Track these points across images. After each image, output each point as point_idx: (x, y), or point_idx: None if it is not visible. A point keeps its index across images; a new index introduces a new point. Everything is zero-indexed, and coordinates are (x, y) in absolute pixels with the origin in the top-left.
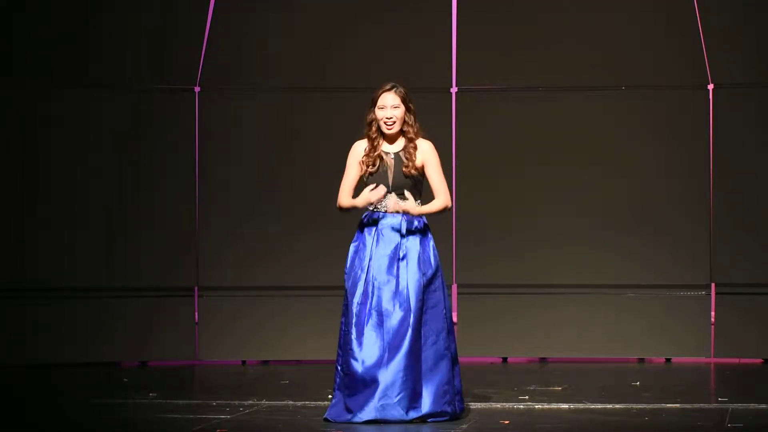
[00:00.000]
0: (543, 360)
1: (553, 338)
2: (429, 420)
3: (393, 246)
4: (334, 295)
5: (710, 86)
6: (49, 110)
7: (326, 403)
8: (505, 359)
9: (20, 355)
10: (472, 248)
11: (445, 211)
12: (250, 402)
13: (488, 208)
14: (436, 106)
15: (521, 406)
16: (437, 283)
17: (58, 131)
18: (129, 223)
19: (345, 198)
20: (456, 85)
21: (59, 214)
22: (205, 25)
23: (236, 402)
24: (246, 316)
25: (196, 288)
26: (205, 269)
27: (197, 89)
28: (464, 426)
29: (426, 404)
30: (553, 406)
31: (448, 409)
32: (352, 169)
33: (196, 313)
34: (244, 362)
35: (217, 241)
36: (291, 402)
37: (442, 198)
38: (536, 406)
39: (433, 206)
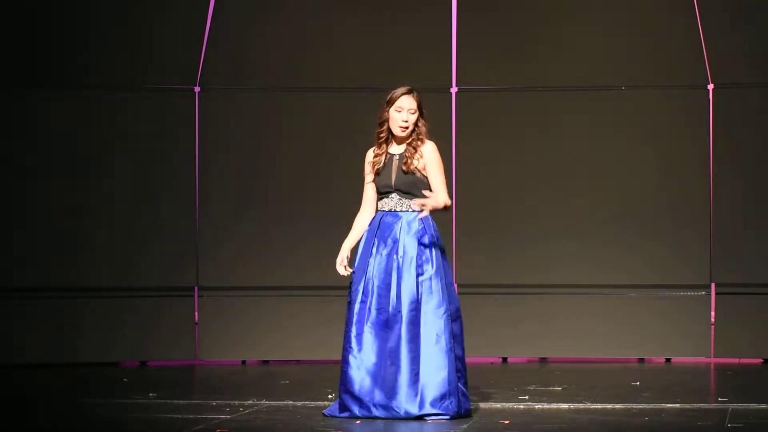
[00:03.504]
0: (543, 360)
1: (553, 338)
2: (428, 419)
3: (392, 246)
4: (334, 296)
5: (710, 86)
6: (49, 110)
7: (326, 403)
8: (505, 359)
9: (19, 354)
10: (472, 248)
11: (446, 209)
12: (250, 402)
13: (488, 207)
14: (436, 106)
15: (521, 406)
16: (440, 284)
17: (58, 131)
18: (129, 223)
19: (358, 218)
20: (456, 85)
21: (62, 215)
22: (205, 25)
23: (236, 402)
24: (246, 316)
25: (196, 288)
26: (205, 269)
27: (197, 89)
28: (464, 426)
29: (425, 404)
30: (553, 406)
31: (451, 409)
32: (367, 179)
33: (196, 313)
34: (244, 362)
35: (217, 241)
36: (291, 402)
37: (441, 195)
38: (536, 406)
39: (437, 198)
